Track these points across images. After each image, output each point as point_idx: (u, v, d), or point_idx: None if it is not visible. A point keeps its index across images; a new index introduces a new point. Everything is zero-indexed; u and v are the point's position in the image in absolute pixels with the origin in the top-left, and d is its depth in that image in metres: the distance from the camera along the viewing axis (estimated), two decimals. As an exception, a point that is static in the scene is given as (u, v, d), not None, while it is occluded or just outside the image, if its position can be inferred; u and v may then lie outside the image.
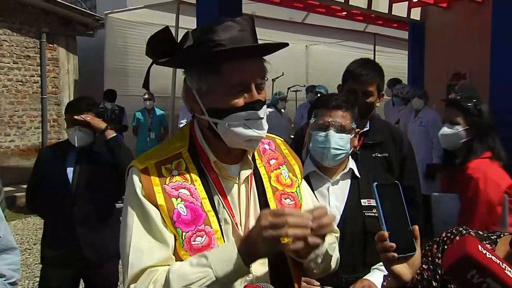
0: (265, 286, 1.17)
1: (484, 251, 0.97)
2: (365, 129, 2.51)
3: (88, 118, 3.04)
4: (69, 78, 10.73)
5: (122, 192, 1.34)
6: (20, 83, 9.89)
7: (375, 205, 1.21)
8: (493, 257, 0.97)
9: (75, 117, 3.03)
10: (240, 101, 1.25)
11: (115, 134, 3.15)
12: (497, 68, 4.76)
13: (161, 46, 1.26)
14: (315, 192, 1.98)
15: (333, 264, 1.43)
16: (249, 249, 1.15)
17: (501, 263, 0.97)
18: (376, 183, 1.21)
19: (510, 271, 0.97)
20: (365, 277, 1.88)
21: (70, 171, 3.07)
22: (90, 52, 10.87)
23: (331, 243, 1.40)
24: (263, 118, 1.27)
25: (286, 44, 1.31)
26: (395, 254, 1.15)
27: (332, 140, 1.96)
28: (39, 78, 10.10)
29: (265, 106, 1.29)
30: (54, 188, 3.06)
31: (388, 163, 2.48)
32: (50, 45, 10.25)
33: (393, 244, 1.15)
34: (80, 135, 3.04)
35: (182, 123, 8.48)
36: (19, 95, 9.89)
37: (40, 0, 9.56)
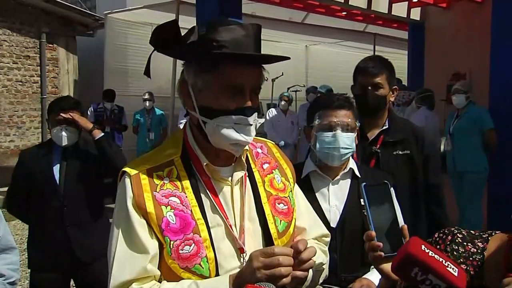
0: (266, 285, 1.17)
1: (427, 250, 1.03)
2: (384, 127, 2.50)
3: (76, 117, 3.00)
4: (69, 78, 10.73)
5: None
6: (20, 83, 9.89)
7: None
8: (436, 256, 1.03)
9: (62, 114, 2.97)
10: (232, 104, 1.26)
11: (102, 134, 3.11)
12: (497, 68, 4.76)
13: (166, 38, 1.26)
14: (315, 191, 1.99)
15: (321, 279, 1.46)
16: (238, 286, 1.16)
17: (444, 261, 1.02)
18: (364, 183, 1.23)
19: (453, 268, 1.02)
20: (364, 276, 1.88)
21: (56, 171, 3.01)
22: (90, 52, 10.86)
23: (318, 268, 1.42)
24: (252, 125, 1.28)
25: (287, 58, 1.31)
26: (382, 253, 1.17)
27: (340, 140, 1.95)
28: (39, 78, 10.10)
29: (255, 114, 1.29)
30: (41, 189, 3.00)
31: (410, 160, 2.46)
32: (50, 45, 10.26)
33: (380, 244, 1.17)
34: (68, 134, 2.99)
35: (181, 123, 8.47)
36: (19, 95, 9.89)
37: (40, 0, 9.56)
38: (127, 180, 1.29)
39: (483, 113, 5.34)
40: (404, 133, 2.50)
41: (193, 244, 1.24)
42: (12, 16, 9.62)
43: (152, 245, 1.24)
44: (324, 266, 1.45)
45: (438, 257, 1.03)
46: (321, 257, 1.45)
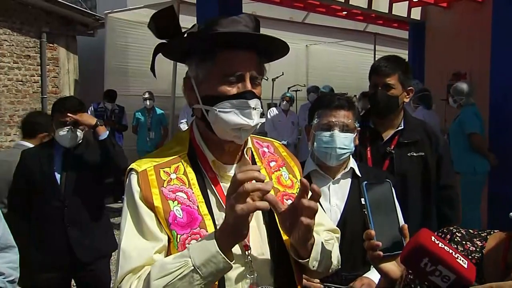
0: None
1: (437, 242, 1.03)
2: (400, 128, 2.50)
3: (80, 117, 3.00)
4: (69, 78, 10.73)
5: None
6: (21, 82, 9.89)
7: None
8: (445, 247, 1.03)
9: (71, 115, 2.97)
10: (232, 90, 1.28)
11: (107, 132, 3.11)
12: (497, 68, 4.76)
13: (165, 25, 1.29)
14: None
15: (334, 261, 1.43)
16: (224, 230, 1.15)
17: (453, 253, 1.02)
18: (365, 182, 1.23)
19: (463, 260, 1.02)
20: (364, 275, 1.89)
21: (57, 171, 3.02)
22: (90, 52, 10.86)
23: (327, 240, 1.40)
24: (253, 108, 1.29)
25: (285, 43, 1.33)
26: (381, 253, 1.17)
27: (337, 140, 1.96)
28: (40, 77, 10.10)
29: (257, 100, 1.30)
30: (42, 189, 3.00)
31: (424, 162, 2.46)
32: (51, 44, 10.25)
33: (379, 243, 1.16)
34: (73, 135, 3.00)
35: (182, 123, 8.48)
36: (20, 95, 9.89)
37: (41, -1, 9.57)
38: (134, 177, 1.30)
39: (468, 116, 5.40)
40: (419, 134, 2.50)
41: (200, 239, 1.24)
42: (13, 15, 9.61)
43: (160, 235, 1.24)
44: (332, 242, 1.43)
45: (448, 248, 1.03)
46: (326, 235, 1.44)
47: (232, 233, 1.14)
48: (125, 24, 9.86)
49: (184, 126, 8.25)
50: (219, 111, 1.28)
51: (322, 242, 1.34)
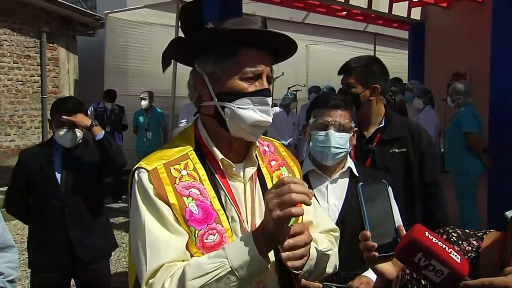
0: None
1: (431, 237, 1.05)
2: (381, 125, 2.50)
3: (74, 118, 2.99)
4: (69, 78, 10.74)
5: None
6: (21, 82, 9.90)
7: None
8: (439, 242, 1.05)
9: (65, 117, 2.97)
10: (251, 87, 1.30)
11: (103, 132, 3.11)
12: (497, 68, 4.75)
13: (189, 18, 1.31)
14: (314, 190, 2.00)
15: (330, 269, 1.45)
16: (263, 233, 1.16)
17: (447, 248, 1.04)
18: (361, 183, 1.22)
19: (455, 255, 1.04)
20: (363, 274, 1.89)
21: (57, 171, 3.02)
22: (90, 52, 10.87)
23: (324, 250, 1.41)
24: (270, 105, 1.32)
25: (294, 46, 1.42)
26: (376, 254, 1.17)
27: (332, 139, 1.97)
28: (39, 77, 10.12)
29: (271, 98, 1.33)
30: (42, 190, 3.00)
31: (406, 158, 2.45)
32: (51, 44, 10.27)
33: (375, 244, 1.17)
34: (73, 136, 3.01)
35: (182, 123, 8.48)
36: (19, 95, 9.90)
37: (41, -1, 9.58)
38: (144, 175, 1.28)
39: (465, 116, 5.42)
40: (401, 131, 2.49)
41: (217, 234, 1.26)
42: (13, 16, 9.63)
43: (183, 230, 1.25)
44: (329, 253, 1.44)
45: (441, 243, 1.05)
46: (326, 243, 1.45)
47: (270, 238, 1.16)
48: (125, 24, 9.86)
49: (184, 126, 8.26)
50: (237, 107, 1.29)
51: (317, 255, 1.35)
